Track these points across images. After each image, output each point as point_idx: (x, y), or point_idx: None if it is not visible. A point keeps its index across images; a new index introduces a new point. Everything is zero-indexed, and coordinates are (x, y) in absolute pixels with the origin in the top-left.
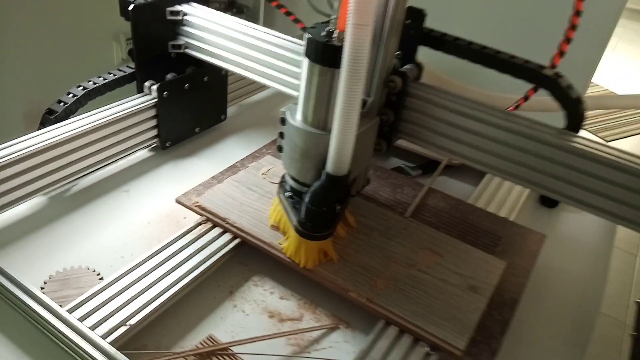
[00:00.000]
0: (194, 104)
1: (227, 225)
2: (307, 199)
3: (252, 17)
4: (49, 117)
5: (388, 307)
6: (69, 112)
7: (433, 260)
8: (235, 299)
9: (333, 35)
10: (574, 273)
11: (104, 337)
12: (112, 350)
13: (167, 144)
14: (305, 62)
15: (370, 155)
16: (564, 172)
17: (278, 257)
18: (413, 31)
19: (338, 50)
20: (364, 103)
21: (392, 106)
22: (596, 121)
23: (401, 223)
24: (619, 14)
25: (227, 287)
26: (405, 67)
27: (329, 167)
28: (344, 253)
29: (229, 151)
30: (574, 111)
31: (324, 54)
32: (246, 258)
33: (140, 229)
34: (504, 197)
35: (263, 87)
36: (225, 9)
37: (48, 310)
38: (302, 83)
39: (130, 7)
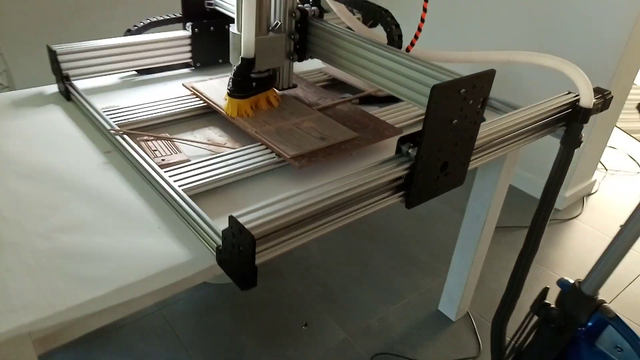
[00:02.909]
0: (218, 43)
1: (202, 96)
2: (232, 73)
3: None
4: (127, 33)
5: (264, 136)
6: (138, 32)
7: (310, 126)
8: (194, 133)
9: None
10: None
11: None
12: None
13: (197, 65)
14: None
15: (281, 57)
16: (397, 77)
17: (221, 112)
18: None
19: None
20: (277, 24)
21: (298, 30)
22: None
23: (306, 110)
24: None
25: (192, 126)
26: (309, 7)
27: (242, 52)
28: (258, 115)
29: None
30: (390, 33)
31: None
32: (211, 118)
33: (165, 95)
34: (402, 114)
35: None
36: None
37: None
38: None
39: None
